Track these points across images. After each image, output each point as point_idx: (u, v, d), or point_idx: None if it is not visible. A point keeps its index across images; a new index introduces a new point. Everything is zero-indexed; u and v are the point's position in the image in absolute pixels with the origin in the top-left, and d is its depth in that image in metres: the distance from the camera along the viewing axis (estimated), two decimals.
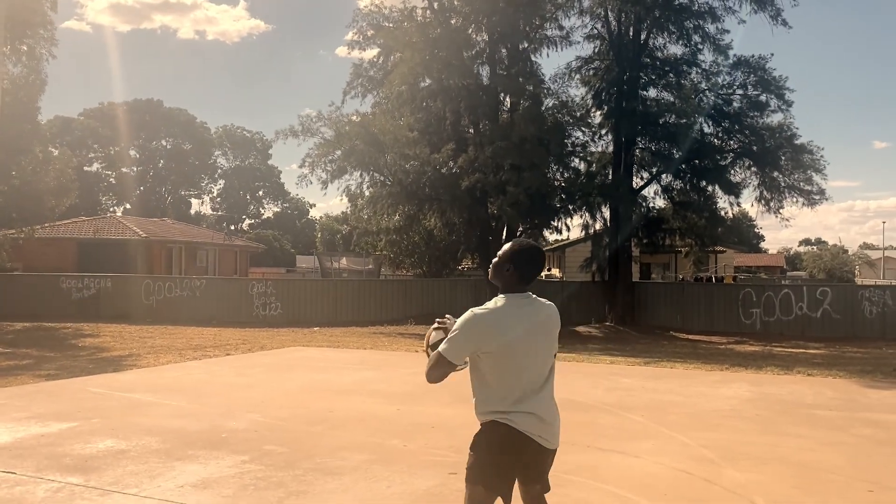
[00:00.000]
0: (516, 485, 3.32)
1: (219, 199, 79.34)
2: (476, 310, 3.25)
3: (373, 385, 9.95)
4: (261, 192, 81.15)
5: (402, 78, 20.44)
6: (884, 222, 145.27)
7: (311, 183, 21.78)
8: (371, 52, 23.43)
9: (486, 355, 3.21)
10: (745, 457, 6.23)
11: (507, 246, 3.37)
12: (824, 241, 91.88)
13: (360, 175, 21.76)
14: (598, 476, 5.62)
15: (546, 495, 3.38)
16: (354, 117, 21.16)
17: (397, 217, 25.04)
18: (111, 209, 65.66)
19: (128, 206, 70.30)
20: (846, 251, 70.14)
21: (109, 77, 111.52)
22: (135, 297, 24.60)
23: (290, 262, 55.25)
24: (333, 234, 62.97)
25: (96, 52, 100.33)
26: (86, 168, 54.49)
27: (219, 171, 78.42)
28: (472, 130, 22.55)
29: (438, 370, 3.25)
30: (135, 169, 72.80)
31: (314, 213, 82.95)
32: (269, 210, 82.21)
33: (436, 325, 3.51)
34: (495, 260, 3.35)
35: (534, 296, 3.35)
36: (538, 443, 3.22)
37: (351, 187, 22.12)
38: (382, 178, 21.91)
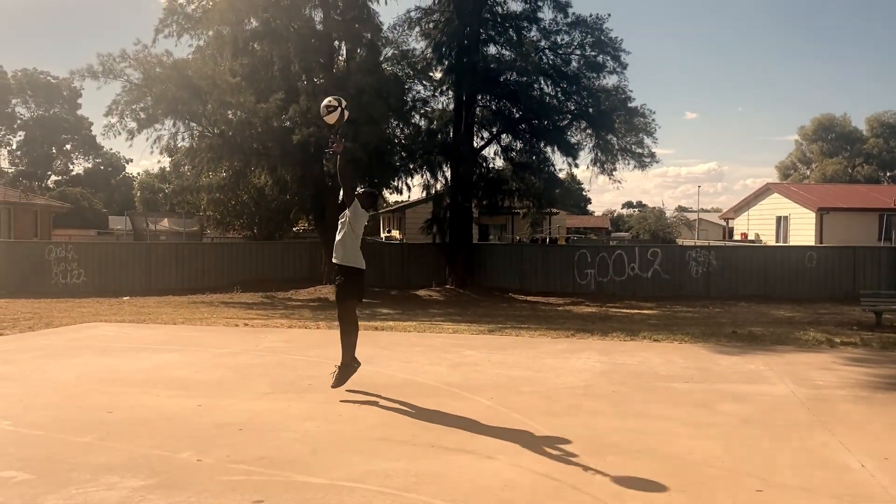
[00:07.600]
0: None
1: (19, 152, 70.43)
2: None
3: (173, 371, 8.23)
4: (69, 146, 72.74)
5: (221, 16, 18.10)
6: (699, 186, 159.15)
7: (120, 133, 18.88)
8: None
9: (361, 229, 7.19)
10: (613, 449, 5.35)
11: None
12: (644, 204, 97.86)
13: (174, 125, 19.25)
14: (444, 489, 4.47)
15: None
16: (165, 58, 18.46)
17: (224, 173, 22.73)
18: None
19: None
20: (665, 214, 74.71)
21: None
22: None
23: (103, 224, 50.08)
24: (155, 193, 57.99)
25: None
26: None
27: (18, 121, 69.41)
28: (304, 80, 20.63)
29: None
30: None
31: (132, 170, 76.02)
32: (80, 166, 74.19)
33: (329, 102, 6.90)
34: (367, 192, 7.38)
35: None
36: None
37: (163, 138, 19.52)
38: (201, 129, 19.52)
